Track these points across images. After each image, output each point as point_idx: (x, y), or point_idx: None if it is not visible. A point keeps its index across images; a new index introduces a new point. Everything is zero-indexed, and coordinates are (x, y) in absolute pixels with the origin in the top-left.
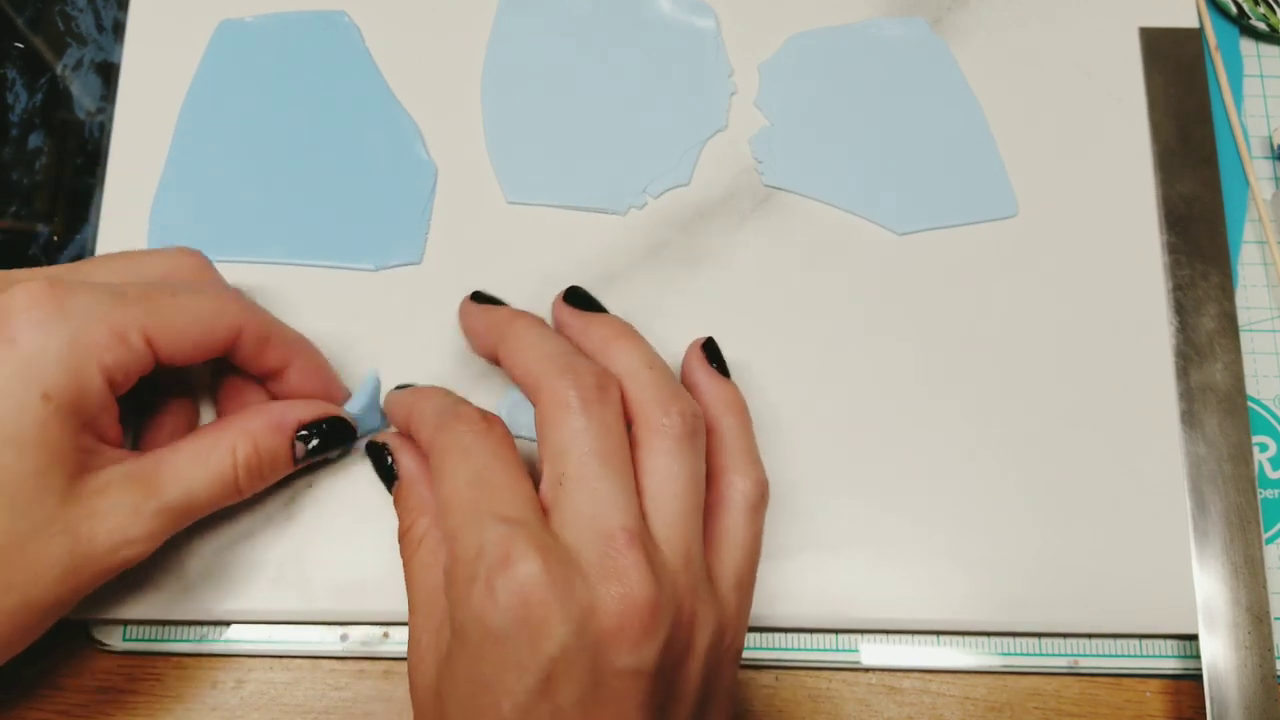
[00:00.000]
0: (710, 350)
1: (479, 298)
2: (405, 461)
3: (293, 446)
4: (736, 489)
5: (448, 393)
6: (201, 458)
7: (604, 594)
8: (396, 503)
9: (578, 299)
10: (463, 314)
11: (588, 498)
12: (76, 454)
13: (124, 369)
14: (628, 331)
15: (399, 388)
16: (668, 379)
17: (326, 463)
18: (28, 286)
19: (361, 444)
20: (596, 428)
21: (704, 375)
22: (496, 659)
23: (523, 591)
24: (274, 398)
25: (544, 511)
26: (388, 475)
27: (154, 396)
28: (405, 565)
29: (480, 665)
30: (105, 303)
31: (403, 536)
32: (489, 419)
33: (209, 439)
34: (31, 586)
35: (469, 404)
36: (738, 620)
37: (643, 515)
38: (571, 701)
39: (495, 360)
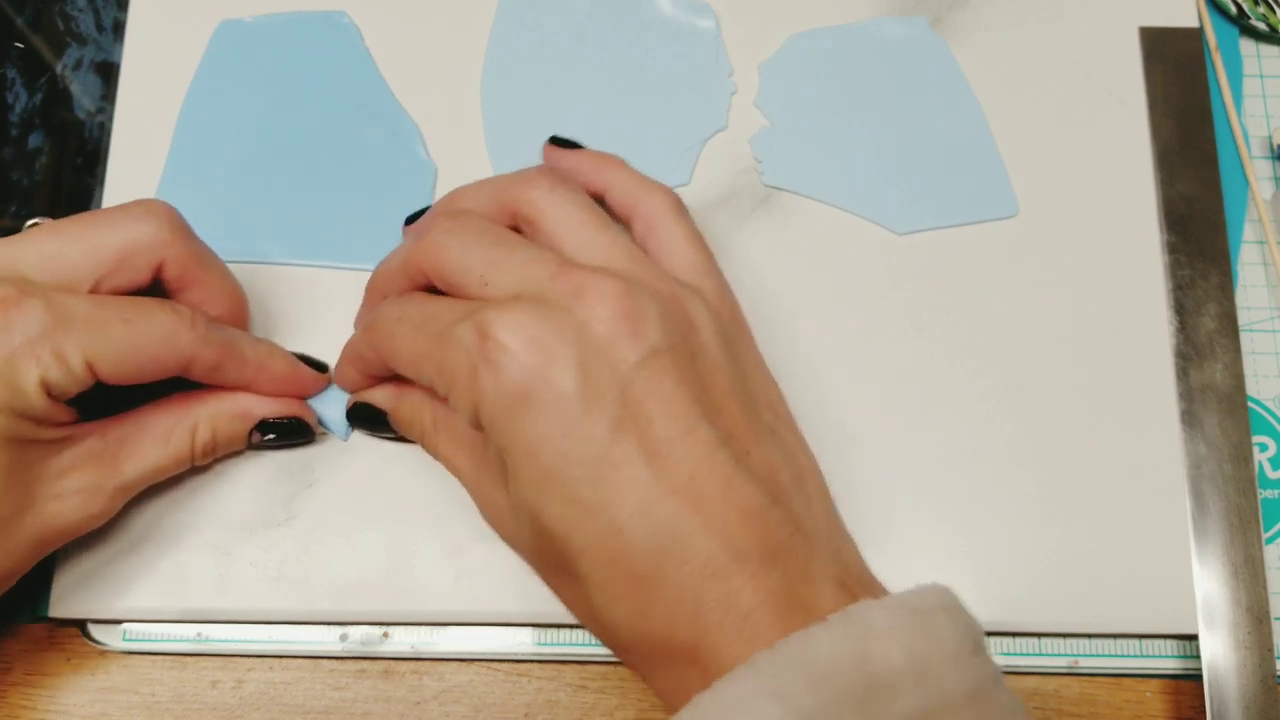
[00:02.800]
0: (555, 141)
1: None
2: (379, 395)
3: (250, 435)
4: (653, 207)
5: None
6: (162, 441)
7: (583, 310)
8: (399, 424)
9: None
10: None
11: (512, 264)
12: (36, 446)
13: (62, 387)
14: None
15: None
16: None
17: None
18: None
19: (362, 443)
20: (474, 223)
21: (568, 159)
22: (533, 420)
23: (519, 345)
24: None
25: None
26: (377, 416)
27: None
28: (439, 454)
29: (523, 436)
30: (50, 324)
31: (421, 437)
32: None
33: (172, 418)
34: (4, 561)
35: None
36: (723, 298)
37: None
38: (616, 409)
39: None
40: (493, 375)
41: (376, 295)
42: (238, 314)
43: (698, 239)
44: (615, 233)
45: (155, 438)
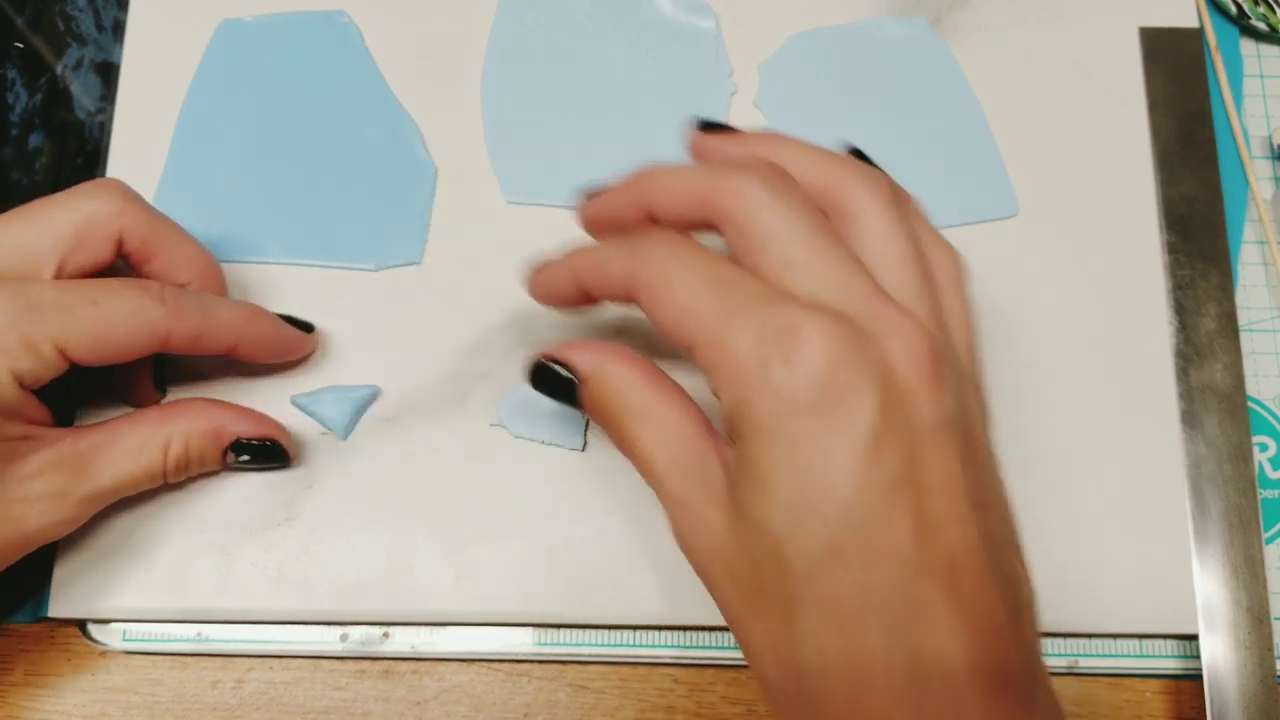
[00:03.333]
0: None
1: (707, 126)
2: (582, 357)
3: (224, 455)
4: (939, 266)
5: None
6: (134, 453)
7: (892, 348)
8: (591, 400)
9: (711, 125)
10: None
11: (825, 268)
12: (5, 444)
13: (35, 375)
14: (779, 135)
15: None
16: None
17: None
18: None
19: (362, 443)
20: (800, 209)
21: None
22: (814, 439)
23: (826, 355)
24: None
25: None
26: (566, 386)
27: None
28: (637, 447)
29: (797, 451)
30: (15, 312)
31: (619, 423)
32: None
33: (145, 432)
34: None
35: (655, 230)
36: (981, 391)
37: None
38: (900, 465)
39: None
40: (788, 374)
41: (636, 202)
42: (210, 279)
43: (972, 315)
44: (853, 264)
45: (128, 449)
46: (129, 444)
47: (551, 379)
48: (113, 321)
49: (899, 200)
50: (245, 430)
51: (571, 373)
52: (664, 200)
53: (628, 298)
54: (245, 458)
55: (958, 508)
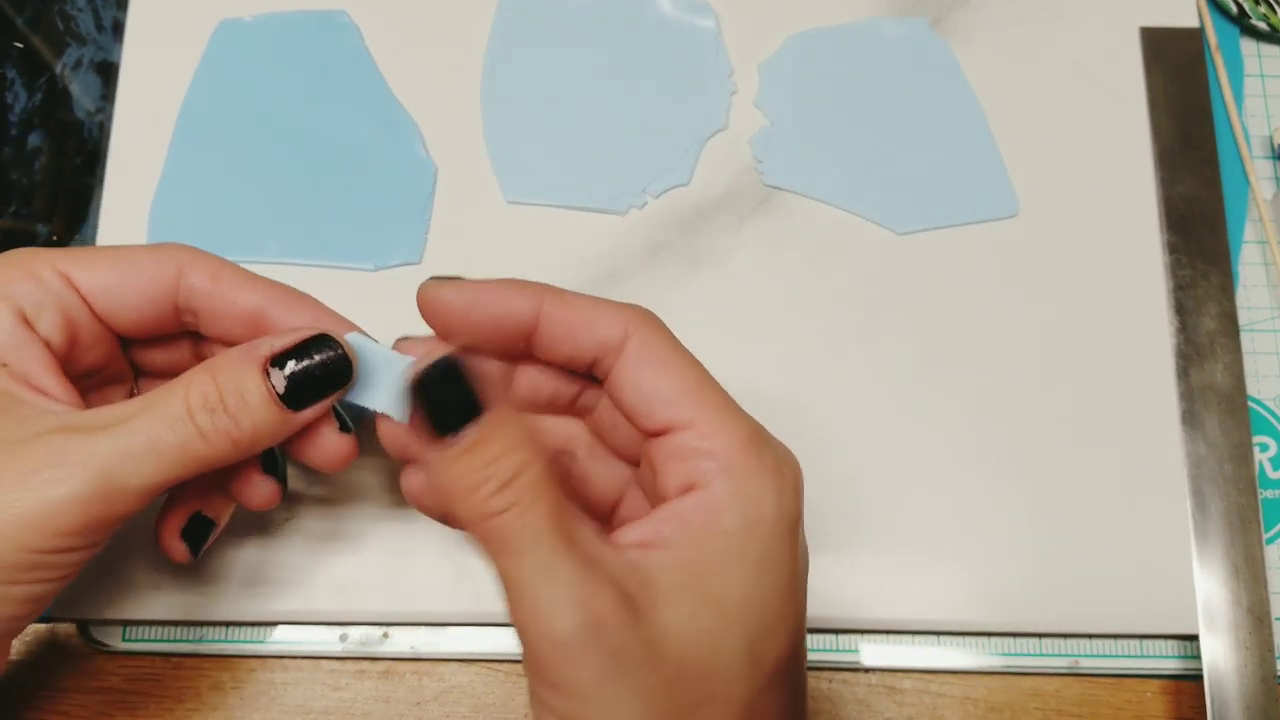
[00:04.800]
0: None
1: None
2: (498, 390)
3: (267, 376)
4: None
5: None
6: (151, 403)
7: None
8: (450, 481)
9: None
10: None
11: None
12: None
13: (38, 305)
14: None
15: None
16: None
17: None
18: None
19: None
20: None
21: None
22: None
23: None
24: None
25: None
26: (465, 408)
27: None
28: (515, 556)
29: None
30: (20, 251)
31: (480, 511)
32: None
33: (161, 389)
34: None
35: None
36: None
37: None
38: None
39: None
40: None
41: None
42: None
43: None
44: None
45: (143, 404)
46: (145, 401)
47: (440, 392)
48: (124, 252)
49: None
50: (280, 340)
51: (477, 394)
52: None
53: None
54: (292, 365)
55: None
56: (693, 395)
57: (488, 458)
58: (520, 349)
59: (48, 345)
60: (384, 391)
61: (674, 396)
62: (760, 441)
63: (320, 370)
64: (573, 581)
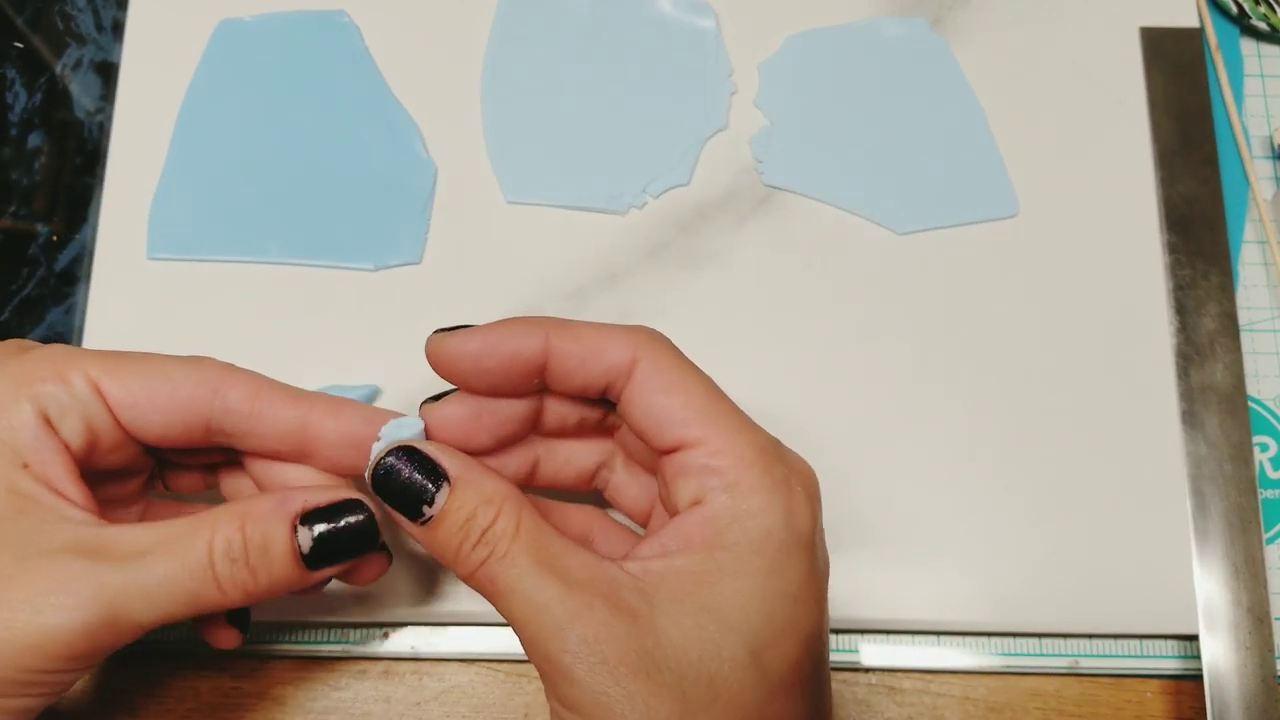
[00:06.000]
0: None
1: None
2: (450, 460)
3: (294, 532)
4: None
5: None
6: (172, 545)
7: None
8: (438, 529)
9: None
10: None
11: None
12: (8, 495)
13: (62, 408)
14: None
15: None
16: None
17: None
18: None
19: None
20: None
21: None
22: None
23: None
24: None
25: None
26: (425, 488)
27: None
28: (510, 584)
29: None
30: (55, 349)
31: (474, 555)
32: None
33: (184, 525)
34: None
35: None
36: None
37: None
38: None
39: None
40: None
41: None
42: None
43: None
44: None
45: (163, 539)
46: (167, 534)
47: (399, 479)
48: (158, 364)
49: None
50: (315, 497)
51: (439, 467)
52: None
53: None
54: (322, 528)
55: None
56: (702, 414)
57: (458, 522)
58: (537, 385)
59: (68, 448)
60: None
61: (683, 416)
62: (769, 456)
63: (348, 536)
64: (558, 607)
